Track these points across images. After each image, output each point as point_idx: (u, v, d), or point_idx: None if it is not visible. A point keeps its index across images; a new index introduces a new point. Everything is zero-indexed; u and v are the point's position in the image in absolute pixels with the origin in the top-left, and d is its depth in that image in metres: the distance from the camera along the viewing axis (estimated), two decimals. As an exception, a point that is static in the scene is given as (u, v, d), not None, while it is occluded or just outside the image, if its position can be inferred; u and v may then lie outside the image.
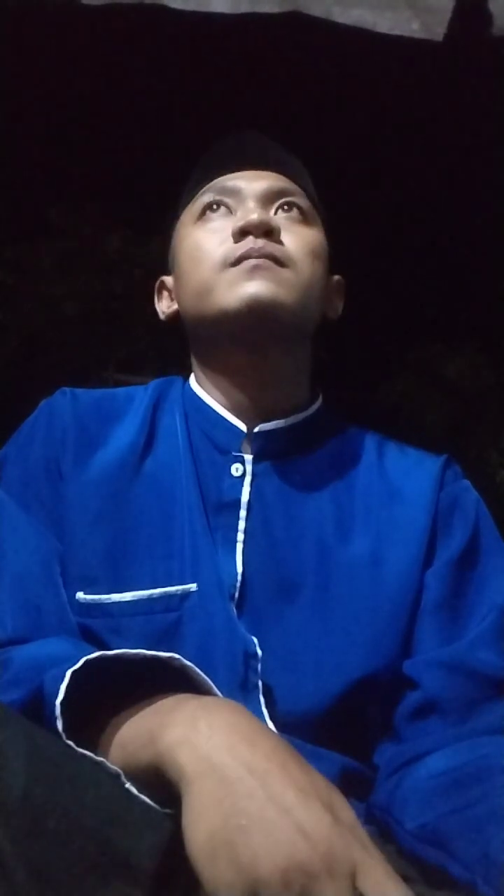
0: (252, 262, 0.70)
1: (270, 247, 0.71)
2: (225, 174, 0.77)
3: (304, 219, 0.77)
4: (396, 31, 1.01)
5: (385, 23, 1.01)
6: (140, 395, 0.81)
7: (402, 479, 0.77)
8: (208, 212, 0.76)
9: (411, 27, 1.00)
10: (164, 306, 0.85)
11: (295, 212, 0.76)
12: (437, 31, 1.00)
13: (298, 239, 0.75)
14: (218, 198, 0.76)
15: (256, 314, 0.70)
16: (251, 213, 0.72)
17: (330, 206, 0.83)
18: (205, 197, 0.77)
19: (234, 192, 0.76)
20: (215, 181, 0.77)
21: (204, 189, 0.78)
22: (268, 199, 0.76)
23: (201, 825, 0.42)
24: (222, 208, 0.76)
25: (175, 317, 0.82)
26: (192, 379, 0.82)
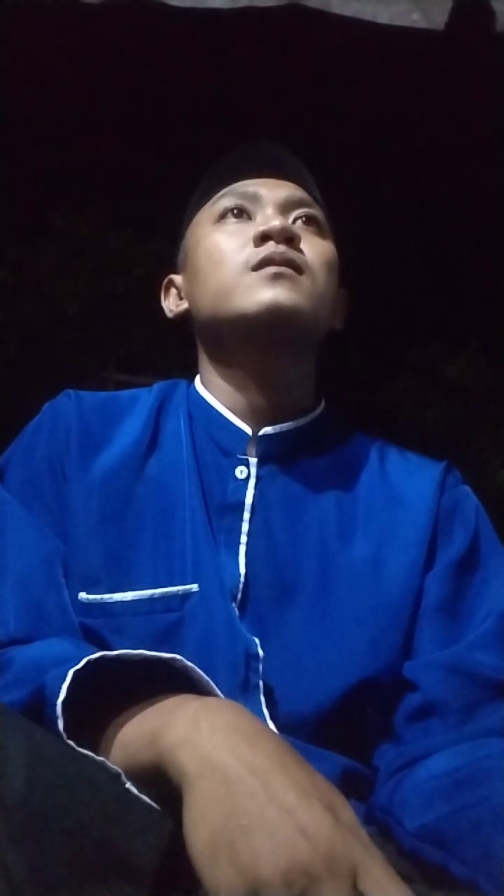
0: (274, 268, 0.71)
1: (291, 253, 0.72)
2: (244, 179, 0.78)
3: (320, 230, 0.78)
4: (396, 22, 1.00)
5: (384, 14, 1.00)
6: (144, 398, 0.82)
7: (404, 483, 0.77)
8: (228, 215, 0.77)
9: (411, 17, 0.99)
10: (171, 304, 0.85)
11: (312, 222, 0.77)
12: (438, 21, 0.99)
13: (315, 249, 0.76)
14: (238, 202, 0.77)
15: (275, 319, 0.71)
16: (272, 219, 0.73)
17: (329, 204, 0.83)
18: (224, 200, 0.78)
19: (255, 198, 0.77)
20: (234, 185, 0.78)
21: (222, 192, 0.78)
22: (287, 207, 0.77)
23: (202, 825, 0.42)
24: (242, 213, 0.77)
25: (183, 315, 0.83)
26: (197, 381, 0.83)
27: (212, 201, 0.79)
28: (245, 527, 0.72)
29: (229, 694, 0.56)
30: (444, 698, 0.66)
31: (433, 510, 0.74)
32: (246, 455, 0.76)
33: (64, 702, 0.49)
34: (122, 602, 0.67)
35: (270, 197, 0.77)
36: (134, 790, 0.46)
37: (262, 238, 0.73)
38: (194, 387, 0.82)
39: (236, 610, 0.68)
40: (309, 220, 0.78)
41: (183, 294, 0.83)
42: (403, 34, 1.03)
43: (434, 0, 0.99)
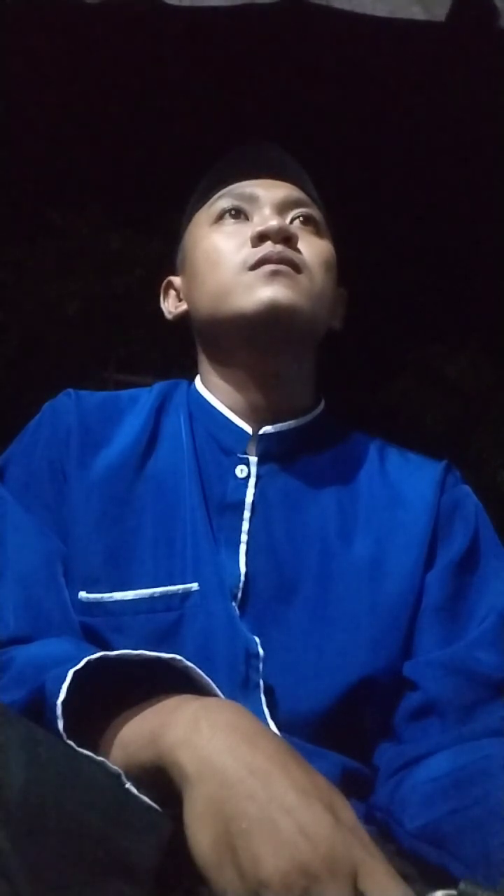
0: (271, 267, 0.71)
1: (288, 252, 0.72)
2: (241, 180, 0.78)
3: (318, 230, 0.79)
4: (396, 15, 0.99)
5: (384, 7, 0.99)
6: (144, 397, 0.82)
7: (404, 483, 0.77)
8: (225, 216, 0.77)
9: (411, 10, 0.99)
10: (170, 306, 0.86)
11: (310, 222, 0.78)
12: (438, 14, 0.98)
13: (313, 248, 0.76)
14: (236, 203, 0.77)
15: (274, 318, 0.71)
16: (269, 219, 0.74)
17: (328, 203, 0.83)
18: (222, 201, 0.78)
19: (252, 199, 0.77)
20: (232, 187, 0.78)
21: (220, 193, 0.79)
22: (284, 207, 0.77)
23: (204, 830, 0.42)
24: (239, 213, 0.77)
25: (182, 317, 0.83)
26: (197, 381, 0.83)
27: (210, 203, 0.80)
28: (245, 526, 0.72)
29: (229, 693, 0.56)
30: (444, 697, 0.66)
31: (433, 510, 0.74)
32: (246, 454, 0.76)
33: (64, 702, 0.49)
34: (123, 601, 0.67)
35: (268, 197, 0.77)
36: (134, 790, 0.46)
37: (260, 238, 0.73)
38: (194, 386, 0.83)
39: (236, 609, 0.68)
40: (306, 220, 0.78)
41: (182, 295, 0.84)
42: (403, 28, 1.02)
43: (435, -7, 0.98)
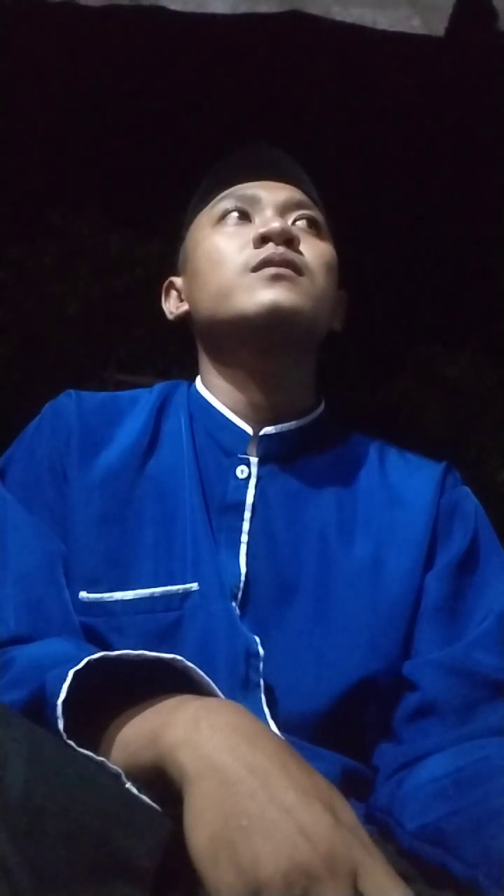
0: (273, 270, 0.71)
1: (290, 255, 0.73)
2: (243, 182, 0.79)
3: (319, 232, 0.79)
4: (397, 28, 1.00)
5: (385, 20, 1.00)
6: (144, 398, 0.82)
7: (404, 483, 0.77)
8: (228, 217, 0.77)
9: (411, 24, 1.00)
10: (171, 306, 0.86)
11: (311, 224, 0.78)
12: (438, 27, 0.99)
13: (315, 250, 0.76)
14: (238, 204, 0.77)
15: (275, 320, 0.71)
16: (271, 221, 0.74)
17: (329, 205, 0.84)
18: (224, 203, 0.78)
19: (254, 201, 0.77)
20: (234, 188, 0.79)
21: (222, 195, 0.79)
22: (286, 209, 0.77)
23: (202, 826, 0.42)
24: (241, 215, 0.77)
25: (183, 317, 0.83)
26: (198, 381, 0.83)
27: (211, 204, 0.80)
28: (245, 526, 0.72)
29: (230, 692, 0.57)
30: (443, 698, 0.66)
31: (433, 510, 0.74)
32: (247, 455, 0.76)
33: (64, 702, 0.49)
34: (123, 601, 0.67)
35: (270, 199, 0.77)
36: (134, 790, 0.46)
37: (262, 240, 0.73)
38: (195, 387, 0.83)
39: (236, 609, 0.68)
40: (308, 222, 0.78)
41: (183, 296, 0.84)
42: (403, 40, 1.03)
43: (434, 6, 0.99)
